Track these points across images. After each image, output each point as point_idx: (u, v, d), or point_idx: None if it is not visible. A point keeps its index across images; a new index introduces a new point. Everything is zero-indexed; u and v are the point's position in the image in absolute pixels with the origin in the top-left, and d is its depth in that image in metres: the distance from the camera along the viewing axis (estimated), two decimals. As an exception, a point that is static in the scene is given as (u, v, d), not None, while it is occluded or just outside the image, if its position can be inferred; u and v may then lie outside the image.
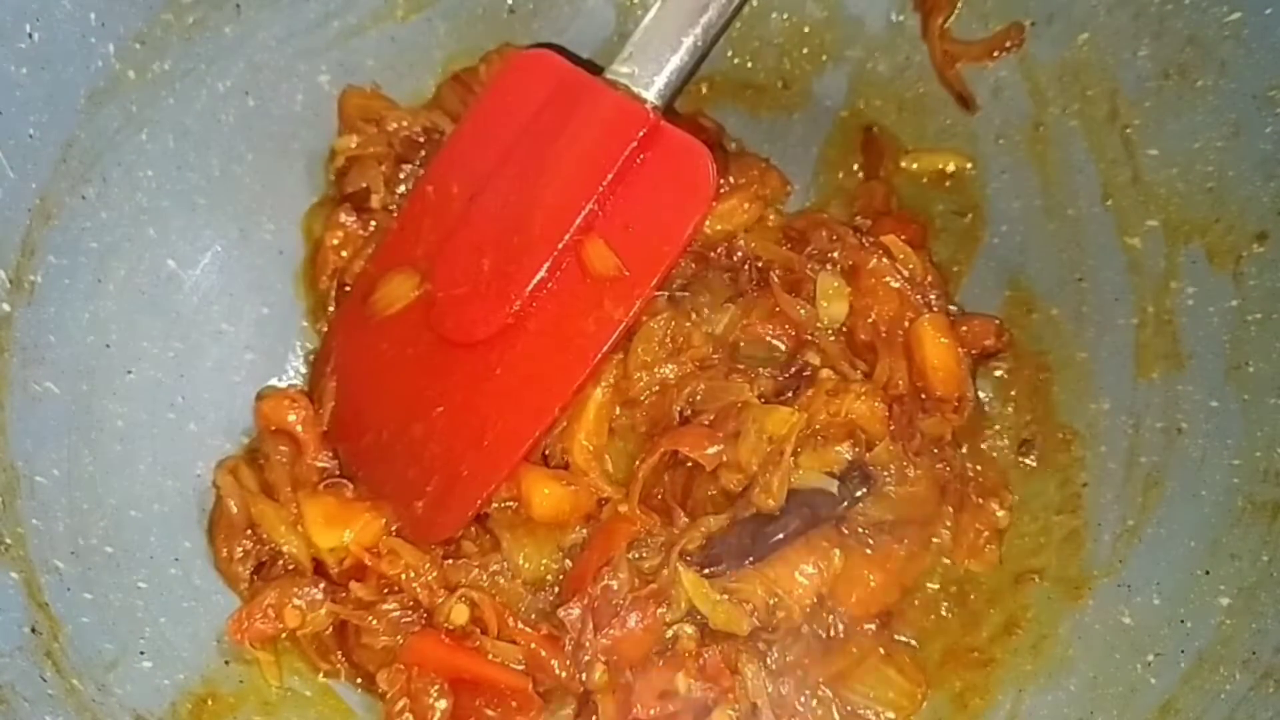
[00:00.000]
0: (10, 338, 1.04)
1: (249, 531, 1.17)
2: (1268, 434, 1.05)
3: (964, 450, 1.20)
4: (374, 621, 1.12)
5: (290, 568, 1.16)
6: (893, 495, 1.12)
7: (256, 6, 1.18)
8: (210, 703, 1.10)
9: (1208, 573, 1.06)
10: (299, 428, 1.19)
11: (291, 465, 1.19)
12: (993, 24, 1.23)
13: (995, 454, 1.23)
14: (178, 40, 1.13)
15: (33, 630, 1.00)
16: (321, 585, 1.14)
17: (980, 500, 1.18)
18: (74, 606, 1.04)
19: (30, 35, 1.00)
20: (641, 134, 1.11)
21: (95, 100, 1.07)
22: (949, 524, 1.17)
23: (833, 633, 1.13)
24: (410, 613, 1.13)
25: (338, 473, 1.20)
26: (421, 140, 1.26)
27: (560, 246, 1.12)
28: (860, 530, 1.13)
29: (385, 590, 1.13)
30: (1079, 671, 1.11)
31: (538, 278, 1.12)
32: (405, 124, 1.26)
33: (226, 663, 1.13)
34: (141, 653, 1.08)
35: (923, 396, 1.15)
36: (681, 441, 1.11)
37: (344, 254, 1.26)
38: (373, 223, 1.26)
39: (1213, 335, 1.10)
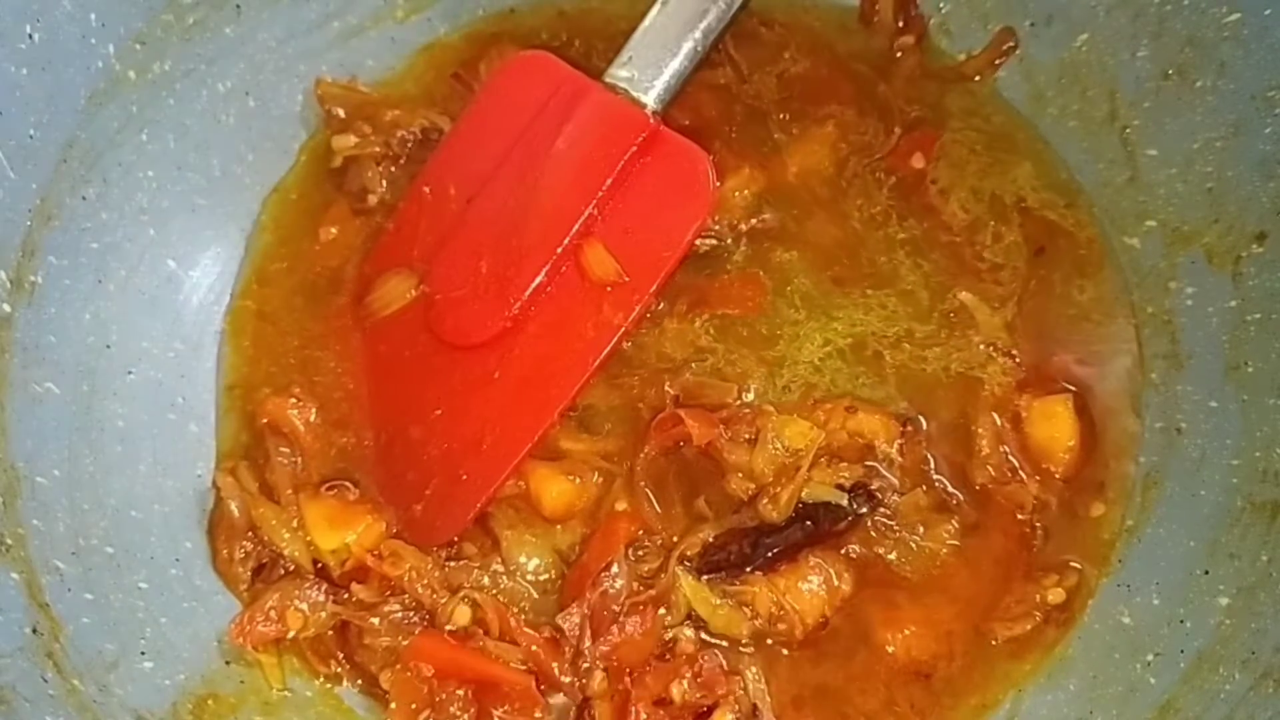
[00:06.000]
0: (11, 338, 1.04)
1: (249, 533, 1.16)
2: (1267, 434, 1.05)
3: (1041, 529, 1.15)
4: (377, 622, 1.12)
5: (290, 570, 1.16)
6: (917, 548, 1.12)
7: (257, 7, 1.18)
8: (211, 703, 1.10)
9: (1207, 573, 1.06)
10: (300, 428, 1.19)
11: (292, 466, 1.19)
12: (992, 24, 1.23)
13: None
14: (178, 41, 1.13)
15: (34, 631, 1.00)
16: (323, 587, 1.14)
17: (1040, 573, 1.14)
18: (75, 607, 1.04)
19: (31, 36, 1.00)
20: (641, 138, 1.11)
21: (96, 101, 1.07)
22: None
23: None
24: (412, 614, 1.13)
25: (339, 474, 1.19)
26: (420, 140, 1.26)
27: (559, 250, 1.12)
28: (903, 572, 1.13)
29: (387, 592, 1.13)
30: (1079, 671, 1.11)
31: (536, 281, 1.12)
32: (403, 122, 1.25)
33: (227, 663, 1.13)
34: (142, 653, 1.08)
35: (1015, 463, 1.14)
36: (685, 409, 1.12)
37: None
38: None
39: (1212, 335, 1.10)
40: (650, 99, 1.12)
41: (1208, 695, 1.01)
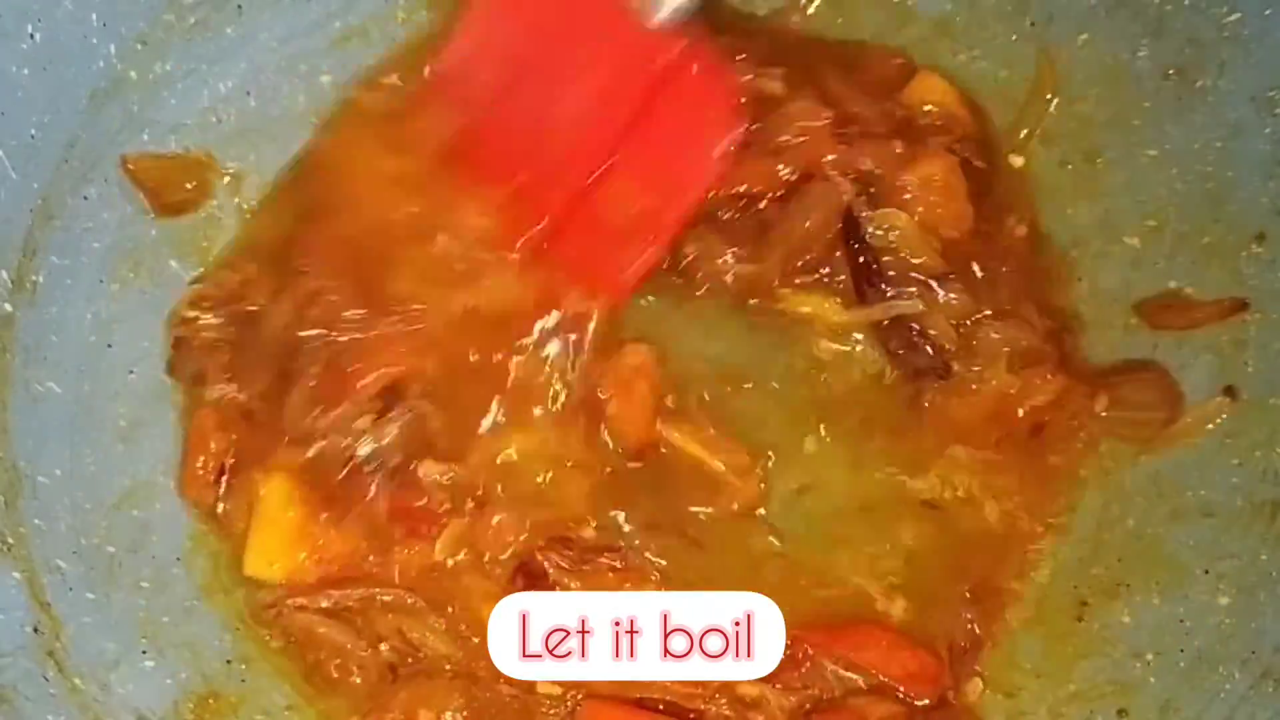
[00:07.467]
0: (12, 338, 1.04)
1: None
2: (1267, 434, 1.05)
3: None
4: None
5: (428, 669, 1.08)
6: None
7: (258, 7, 1.18)
8: (213, 702, 1.10)
9: (1207, 572, 1.06)
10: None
11: None
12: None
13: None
14: (179, 41, 1.13)
15: (35, 630, 1.00)
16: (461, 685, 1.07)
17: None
18: (76, 606, 1.05)
19: (32, 36, 1.00)
20: (664, 58, 1.04)
21: (97, 100, 1.08)
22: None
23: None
24: None
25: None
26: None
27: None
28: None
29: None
30: (1079, 671, 1.11)
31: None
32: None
33: (229, 662, 1.13)
34: (144, 652, 1.08)
35: None
36: None
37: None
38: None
39: (1213, 335, 1.10)
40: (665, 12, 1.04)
41: (1208, 695, 1.02)
